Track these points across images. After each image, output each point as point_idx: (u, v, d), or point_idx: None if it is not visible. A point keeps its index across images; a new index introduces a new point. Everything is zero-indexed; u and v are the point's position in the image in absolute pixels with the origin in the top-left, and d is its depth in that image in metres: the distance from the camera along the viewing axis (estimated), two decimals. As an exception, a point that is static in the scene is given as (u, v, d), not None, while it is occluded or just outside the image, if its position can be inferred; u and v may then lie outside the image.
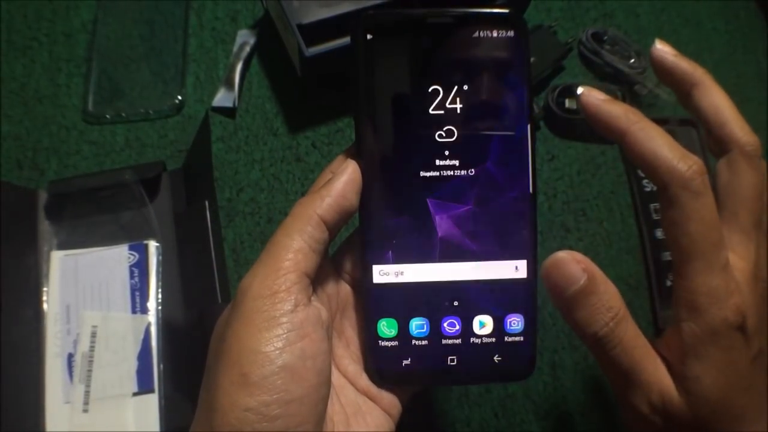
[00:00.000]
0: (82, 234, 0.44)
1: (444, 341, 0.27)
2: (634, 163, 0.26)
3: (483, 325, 0.27)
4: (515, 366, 0.28)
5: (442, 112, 0.27)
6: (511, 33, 0.27)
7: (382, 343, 0.27)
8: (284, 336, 0.23)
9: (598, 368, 0.44)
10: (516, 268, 0.27)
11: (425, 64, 0.27)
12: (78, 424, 0.39)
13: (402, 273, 0.27)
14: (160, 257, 0.44)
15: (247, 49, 0.51)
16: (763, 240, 0.26)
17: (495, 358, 0.27)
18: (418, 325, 0.27)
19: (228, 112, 0.50)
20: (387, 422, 0.27)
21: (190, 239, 0.44)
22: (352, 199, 0.26)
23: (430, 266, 0.27)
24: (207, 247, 0.41)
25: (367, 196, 0.27)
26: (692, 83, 0.27)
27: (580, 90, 0.26)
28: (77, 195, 0.44)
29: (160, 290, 0.43)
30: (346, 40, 0.47)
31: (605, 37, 0.54)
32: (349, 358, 0.28)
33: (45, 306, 0.42)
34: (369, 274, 0.27)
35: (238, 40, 0.51)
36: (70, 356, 0.41)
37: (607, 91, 0.51)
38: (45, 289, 0.42)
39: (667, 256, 0.47)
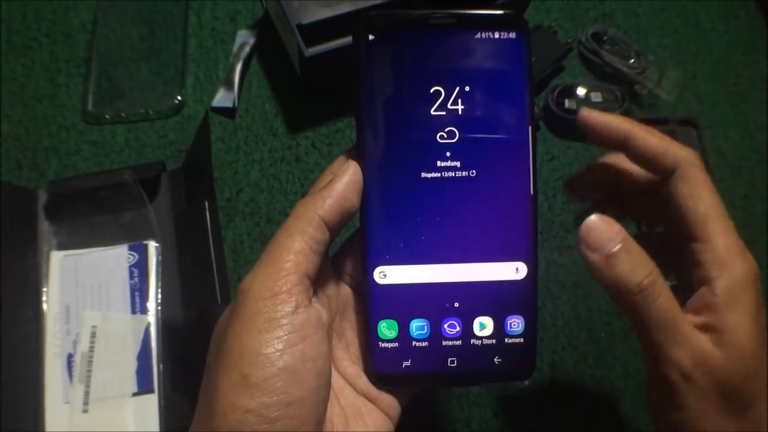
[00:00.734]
0: (81, 234, 0.44)
1: (444, 342, 0.27)
2: (639, 157, 0.27)
3: (483, 326, 0.27)
4: (515, 367, 0.28)
5: (443, 113, 0.27)
6: (512, 34, 0.27)
7: (383, 344, 0.27)
8: (285, 338, 0.23)
9: (598, 368, 0.44)
10: (516, 269, 0.27)
11: (427, 65, 0.27)
12: (78, 424, 0.39)
13: (402, 274, 0.27)
14: (160, 257, 0.44)
15: (247, 49, 0.51)
16: None
17: (495, 359, 0.27)
18: (418, 327, 0.27)
19: (228, 113, 0.50)
20: (386, 423, 0.27)
21: (189, 239, 0.44)
22: (353, 200, 0.26)
23: (431, 267, 0.27)
24: (207, 248, 0.41)
25: (367, 197, 0.27)
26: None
27: (580, 113, 0.27)
28: (77, 195, 0.44)
29: (159, 290, 0.43)
30: (346, 40, 0.47)
31: (605, 38, 0.54)
32: (348, 360, 0.28)
33: (45, 306, 0.42)
34: (369, 275, 0.27)
35: (238, 40, 0.51)
36: (70, 356, 0.41)
37: (607, 92, 0.51)
38: (45, 289, 0.42)
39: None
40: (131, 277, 0.43)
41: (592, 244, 0.25)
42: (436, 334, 0.27)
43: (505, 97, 0.27)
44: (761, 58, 0.56)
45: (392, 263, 0.27)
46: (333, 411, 0.26)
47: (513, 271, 0.27)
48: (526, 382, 0.28)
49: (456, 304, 0.27)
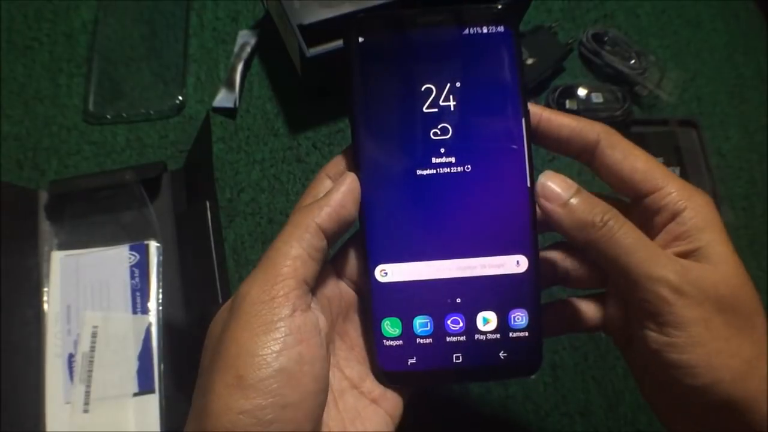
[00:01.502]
0: (82, 234, 0.44)
1: (448, 339, 0.27)
2: (555, 139, 0.28)
3: (487, 321, 0.27)
4: (522, 362, 0.27)
5: (436, 110, 0.27)
6: (500, 28, 0.27)
7: (387, 342, 0.27)
8: (281, 339, 0.23)
9: (599, 369, 0.44)
10: (517, 262, 0.27)
11: (417, 64, 0.27)
12: (78, 424, 0.39)
13: (403, 271, 0.27)
14: (161, 257, 0.44)
15: (248, 49, 0.51)
16: None
17: (501, 354, 0.27)
18: (421, 324, 0.27)
19: (229, 113, 0.50)
20: (387, 426, 0.27)
21: (190, 240, 0.44)
22: (351, 209, 0.26)
23: (432, 264, 0.27)
24: (208, 248, 0.41)
25: (366, 196, 0.27)
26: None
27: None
28: (78, 195, 0.44)
29: (160, 290, 0.43)
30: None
31: (606, 38, 0.54)
32: (354, 360, 0.28)
33: (46, 306, 0.42)
34: (371, 273, 0.27)
35: (239, 41, 0.51)
36: (71, 356, 0.41)
37: (608, 92, 0.51)
38: (45, 289, 0.42)
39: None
40: (132, 277, 0.43)
41: (550, 195, 0.26)
42: (439, 331, 0.27)
43: (497, 91, 0.27)
44: (762, 59, 0.56)
45: (393, 261, 0.27)
46: (329, 415, 0.26)
47: (514, 264, 0.27)
48: (533, 377, 0.28)
49: (458, 300, 0.27)
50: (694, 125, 0.52)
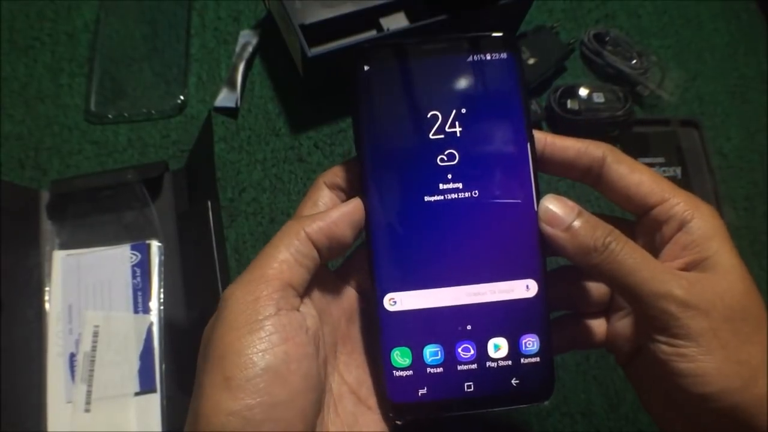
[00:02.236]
0: (84, 234, 0.44)
1: (460, 367, 0.27)
2: (559, 161, 0.28)
3: (498, 347, 0.27)
4: (534, 388, 0.27)
5: (442, 136, 0.27)
6: (503, 54, 0.27)
7: (397, 373, 0.27)
8: (266, 338, 0.23)
9: (600, 369, 0.44)
10: (527, 287, 0.27)
11: (422, 91, 0.27)
12: (80, 423, 0.39)
13: (413, 300, 0.27)
14: (163, 257, 0.44)
15: (250, 49, 0.51)
16: None
17: (513, 381, 0.27)
18: (432, 352, 0.27)
19: (230, 113, 0.50)
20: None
21: (192, 239, 0.44)
22: (345, 230, 0.26)
23: (441, 291, 0.27)
24: (209, 248, 0.41)
25: (372, 224, 0.27)
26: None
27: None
28: (79, 195, 0.44)
29: (162, 290, 0.43)
30: (348, 40, 0.48)
31: (607, 38, 0.54)
32: (353, 365, 0.28)
33: (47, 306, 0.42)
34: (380, 302, 0.27)
35: (241, 41, 0.52)
36: (72, 356, 0.41)
37: (609, 92, 0.51)
38: (47, 288, 0.42)
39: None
40: (134, 276, 0.43)
41: (552, 220, 0.26)
42: (450, 359, 0.27)
43: (502, 117, 0.27)
44: (763, 59, 0.56)
45: (402, 289, 0.27)
46: (329, 418, 0.26)
47: (524, 288, 0.27)
48: (546, 403, 0.27)
49: (469, 327, 0.27)
50: (696, 125, 0.52)
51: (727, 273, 0.25)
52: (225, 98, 0.49)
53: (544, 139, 0.27)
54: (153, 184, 0.45)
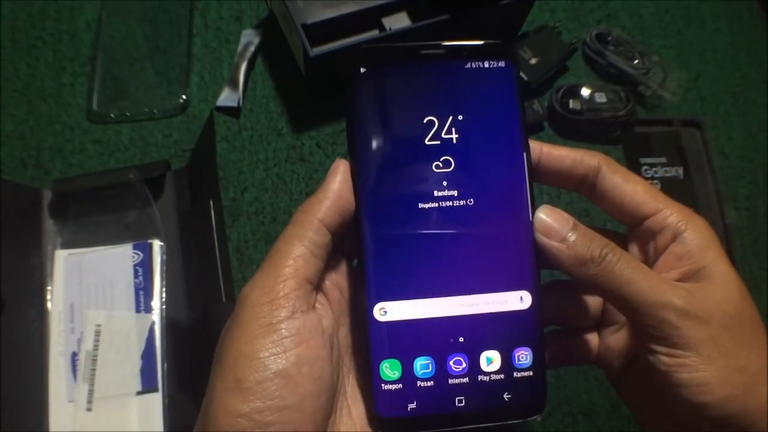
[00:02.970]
0: (86, 233, 0.44)
1: (451, 381, 0.26)
2: (556, 171, 0.28)
3: (491, 361, 0.26)
4: (526, 403, 0.26)
5: (438, 142, 0.26)
6: (501, 63, 0.27)
7: (386, 386, 0.26)
8: (279, 342, 0.23)
9: (601, 369, 0.44)
10: (521, 298, 0.26)
11: (419, 96, 0.27)
12: (82, 422, 0.39)
13: (404, 310, 0.26)
14: (164, 256, 0.44)
15: (252, 48, 0.51)
16: None
17: (505, 395, 0.26)
18: (422, 365, 0.26)
19: (232, 112, 0.50)
20: None
21: (194, 239, 0.44)
22: (349, 198, 0.26)
23: (433, 301, 0.26)
24: (211, 247, 0.41)
25: (365, 231, 0.26)
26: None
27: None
28: (81, 194, 0.44)
29: (164, 289, 0.43)
30: (351, 40, 0.48)
31: (609, 38, 0.54)
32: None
33: (49, 305, 0.42)
34: (369, 312, 0.26)
35: (243, 40, 0.52)
36: (74, 355, 0.41)
37: (611, 92, 0.51)
38: (49, 288, 0.43)
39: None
40: (136, 276, 0.43)
41: (548, 231, 0.26)
42: (441, 373, 0.26)
43: (498, 125, 0.27)
44: (764, 59, 0.56)
45: (393, 299, 0.26)
46: (341, 420, 0.25)
47: (518, 300, 0.26)
48: (539, 419, 0.27)
49: (461, 339, 0.26)
50: (698, 125, 0.52)
51: (723, 282, 0.25)
52: (227, 98, 0.49)
53: (540, 149, 0.27)
54: (155, 183, 0.45)
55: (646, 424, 0.28)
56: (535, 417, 0.27)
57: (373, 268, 0.26)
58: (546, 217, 0.26)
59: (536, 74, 0.51)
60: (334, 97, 0.50)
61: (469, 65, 0.27)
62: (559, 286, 0.30)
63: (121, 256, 0.44)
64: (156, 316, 0.42)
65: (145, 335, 0.42)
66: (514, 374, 0.26)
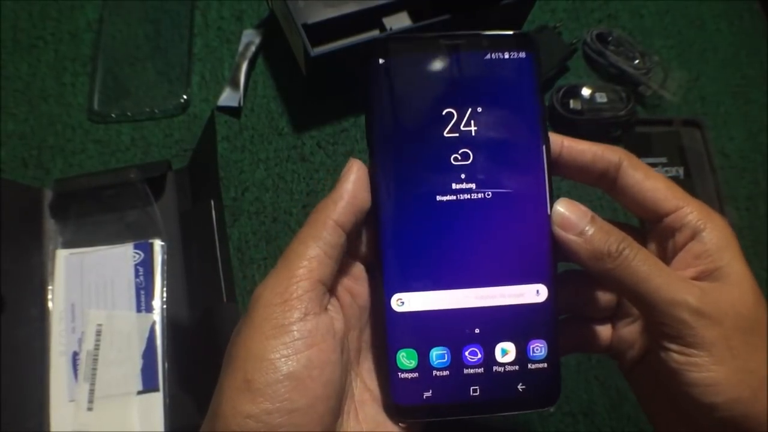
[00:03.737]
0: (87, 233, 0.44)
1: (466, 371, 0.26)
2: (577, 165, 0.28)
3: (506, 352, 0.26)
4: (540, 394, 0.27)
5: (456, 134, 0.26)
6: (522, 54, 0.27)
7: (402, 375, 0.26)
8: (291, 344, 0.22)
9: (602, 368, 0.44)
10: (537, 291, 0.26)
11: (438, 88, 0.27)
12: (82, 422, 0.39)
13: (421, 301, 0.26)
14: (165, 256, 0.44)
15: (253, 48, 0.51)
16: None
17: (519, 386, 0.26)
18: (438, 355, 0.26)
19: (233, 112, 0.50)
20: None
21: (195, 238, 0.44)
22: (364, 197, 0.26)
23: (450, 293, 0.26)
24: (212, 246, 0.41)
25: (382, 223, 0.26)
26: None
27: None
28: (82, 194, 0.44)
29: (165, 289, 0.43)
30: (351, 40, 0.48)
31: (610, 38, 0.54)
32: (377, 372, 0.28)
33: (50, 304, 0.42)
34: (387, 302, 0.26)
35: (244, 40, 0.52)
36: (75, 354, 0.41)
37: (612, 92, 0.51)
38: (50, 287, 0.43)
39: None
40: (137, 275, 0.43)
41: (566, 224, 0.26)
42: (457, 363, 0.26)
43: (518, 117, 0.27)
44: (765, 59, 0.56)
45: (410, 290, 0.26)
46: (349, 425, 0.25)
47: (534, 293, 0.26)
48: (552, 410, 0.27)
49: (476, 330, 0.26)
50: (698, 125, 0.52)
51: (738, 283, 0.25)
52: (228, 97, 0.49)
53: (560, 142, 0.27)
54: (156, 183, 0.45)
55: (655, 415, 0.28)
56: (548, 408, 0.27)
57: (390, 260, 0.26)
58: (564, 210, 0.26)
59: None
60: (335, 97, 0.50)
61: (488, 56, 0.27)
62: (575, 276, 0.30)
63: (122, 255, 0.44)
64: (157, 315, 0.42)
65: (146, 335, 0.42)
66: (529, 365, 0.26)
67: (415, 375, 0.26)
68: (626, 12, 0.57)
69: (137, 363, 0.41)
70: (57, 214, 0.44)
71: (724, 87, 0.55)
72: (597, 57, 0.53)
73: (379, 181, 0.26)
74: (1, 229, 0.40)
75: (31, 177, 0.46)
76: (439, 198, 0.26)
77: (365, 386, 0.27)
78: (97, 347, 0.41)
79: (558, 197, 0.27)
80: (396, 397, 0.26)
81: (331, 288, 0.25)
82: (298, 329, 0.23)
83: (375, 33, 0.48)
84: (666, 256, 0.27)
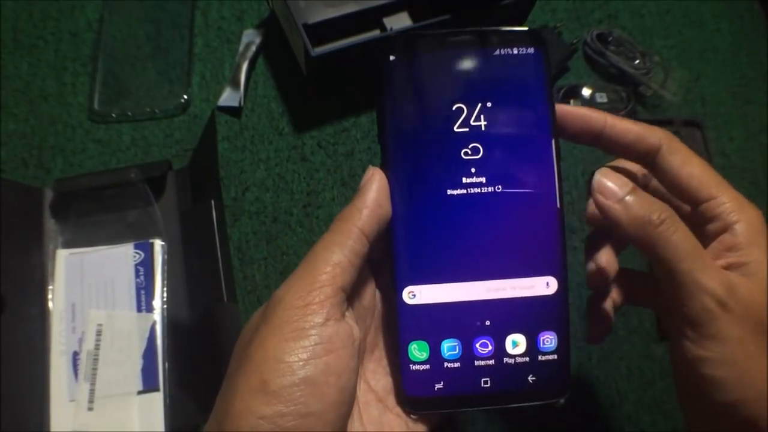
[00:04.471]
0: (87, 232, 0.44)
1: (477, 363, 0.27)
2: (619, 144, 0.28)
3: (516, 344, 0.27)
4: (550, 386, 0.27)
5: (466, 129, 0.27)
6: (531, 49, 0.27)
7: (414, 366, 0.27)
8: (310, 348, 0.22)
9: (602, 369, 0.44)
10: (547, 284, 0.27)
11: (448, 83, 0.27)
12: (83, 422, 0.39)
13: (432, 293, 0.27)
14: (166, 256, 0.44)
15: (253, 48, 0.51)
16: None
17: (529, 378, 0.27)
18: (449, 347, 0.27)
19: (234, 112, 0.50)
20: None
21: (195, 238, 0.44)
22: (387, 206, 0.26)
23: (461, 285, 0.27)
24: (212, 246, 0.41)
25: (395, 217, 0.26)
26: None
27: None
28: (83, 194, 0.44)
29: (165, 289, 0.43)
30: (352, 40, 0.48)
31: (610, 38, 0.54)
32: (381, 373, 0.28)
33: (50, 304, 0.42)
34: (399, 295, 0.27)
35: (244, 40, 0.52)
36: (76, 354, 0.41)
37: (612, 92, 0.51)
38: (50, 287, 0.43)
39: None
40: (137, 275, 0.43)
41: (606, 192, 0.26)
42: (468, 355, 0.27)
43: (527, 112, 0.27)
44: (765, 60, 0.56)
45: (421, 282, 0.27)
46: (353, 426, 0.25)
47: (544, 286, 0.27)
48: (562, 402, 0.27)
49: (487, 323, 0.27)
50: (698, 125, 0.52)
51: (761, 283, 0.25)
52: (228, 97, 0.49)
53: (604, 120, 0.27)
54: (156, 183, 0.45)
55: (680, 394, 0.28)
56: (558, 400, 0.27)
57: (402, 253, 0.27)
58: (604, 178, 0.26)
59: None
60: (336, 96, 0.50)
61: (498, 52, 0.27)
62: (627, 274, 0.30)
63: (123, 255, 0.44)
64: (157, 315, 0.42)
65: (147, 335, 0.42)
66: (539, 357, 0.27)
67: (427, 367, 0.27)
68: (626, 12, 0.57)
69: (137, 363, 0.41)
70: (57, 213, 0.44)
71: (724, 87, 0.55)
72: (597, 57, 0.53)
73: (390, 175, 0.27)
74: (1, 229, 0.40)
75: (31, 177, 0.46)
76: (449, 192, 0.27)
77: (369, 387, 0.27)
78: (97, 347, 0.41)
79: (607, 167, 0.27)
80: (408, 389, 0.27)
81: (349, 296, 0.25)
82: (317, 334, 0.23)
83: (375, 33, 0.48)
84: (701, 242, 0.27)
